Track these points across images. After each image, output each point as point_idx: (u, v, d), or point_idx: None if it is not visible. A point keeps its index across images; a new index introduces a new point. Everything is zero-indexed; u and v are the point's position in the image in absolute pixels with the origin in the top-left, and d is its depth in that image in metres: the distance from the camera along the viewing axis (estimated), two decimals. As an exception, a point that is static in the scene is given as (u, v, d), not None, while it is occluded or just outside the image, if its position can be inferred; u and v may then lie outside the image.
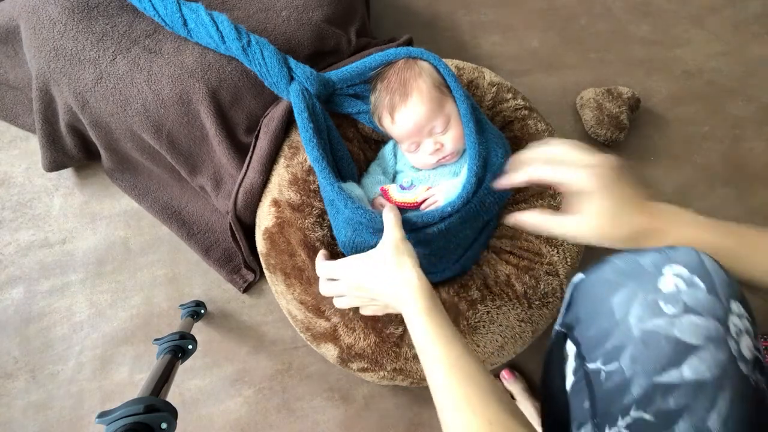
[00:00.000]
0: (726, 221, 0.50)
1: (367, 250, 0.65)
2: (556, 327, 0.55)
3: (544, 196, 0.78)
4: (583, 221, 0.48)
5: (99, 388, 0.91)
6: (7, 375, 0.90)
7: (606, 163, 0.48)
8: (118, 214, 0.99)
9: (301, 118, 0.72)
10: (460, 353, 0.48)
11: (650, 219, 0.48)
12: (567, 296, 0.56)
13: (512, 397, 0.92)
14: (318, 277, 0.73)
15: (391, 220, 0.61)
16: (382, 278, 0.57)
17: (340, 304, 0.65)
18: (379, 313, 0.64)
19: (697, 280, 0.45)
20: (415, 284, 0.54)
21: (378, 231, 0.64)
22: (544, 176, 0.49)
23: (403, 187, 0.73)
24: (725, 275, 0.43)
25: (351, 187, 0.71)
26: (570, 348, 0.47)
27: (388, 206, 0.63)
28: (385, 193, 0.74)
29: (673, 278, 0.44)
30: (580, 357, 0.44)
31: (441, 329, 0.51)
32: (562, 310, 0.57)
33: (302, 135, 0.71)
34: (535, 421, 0.89)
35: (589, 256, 0.87)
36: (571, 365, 0.46)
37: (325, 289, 0.65)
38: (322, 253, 0.71)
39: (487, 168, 0.67)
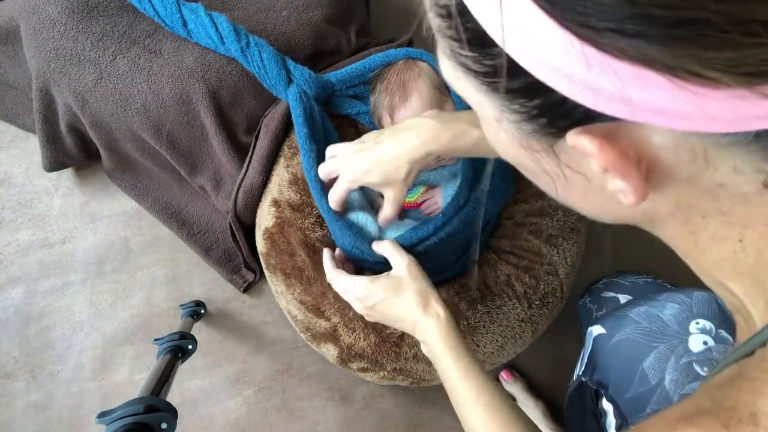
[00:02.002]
0: None
1: (368, 259, 0.65)
2: (582, 378, 0.56)
3: (545, 196, 0.79)
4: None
5: (99, 388, 0.91)
6: (7, 375, 0.90)
7: None
8: (118, 214, 0.99)
9: (296, 123, 0.72)
10: (490, 394, 0.50)
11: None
12: (587, 347, 0.58)
13: (513, 398, 0.92)
14: (317, 277, 0.73)
15: (390, 249, 0.62)
16: (400, 309, 0.57)
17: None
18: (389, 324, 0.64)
19: (723, 333, 0.46)
20: (442, 319, 0.55)
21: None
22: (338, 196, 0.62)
23: None
24: None
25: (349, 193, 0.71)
26: (607, 406, 0.50)
27: (379, 243, 0.64)
28: None
29: (699, 336, 0.45)
30: (622, 417, 0.47)
31: (469, 366, 0.52)
32: (584, 358, 0.59)
33: (298, 141, 0.71)
34: (538, 419, 0.89)
35: (589, 255, 0.87)
36: (612, 422, 0.49)
37: (335, 287, 0.65)
38: (327, 256, 0.68)
39: (482, 172, 0.67)
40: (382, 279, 0.60)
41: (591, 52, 0.19)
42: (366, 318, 0.63)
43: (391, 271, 0.61)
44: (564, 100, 0.22)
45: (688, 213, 0.26)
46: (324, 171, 0.65)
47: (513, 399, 0.92)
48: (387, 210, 0.62)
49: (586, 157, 0.24)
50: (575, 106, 0.22)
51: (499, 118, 0.26)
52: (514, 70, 0.22)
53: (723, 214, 0.25)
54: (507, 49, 0.22)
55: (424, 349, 0.57)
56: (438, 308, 0.56)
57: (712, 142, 0.22)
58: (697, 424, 0.23)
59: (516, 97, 0.24)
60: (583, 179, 0.27)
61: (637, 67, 0.19)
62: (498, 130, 0.28)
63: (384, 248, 0.63)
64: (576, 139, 0.23)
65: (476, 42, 0.23)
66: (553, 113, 0.24)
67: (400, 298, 0.57)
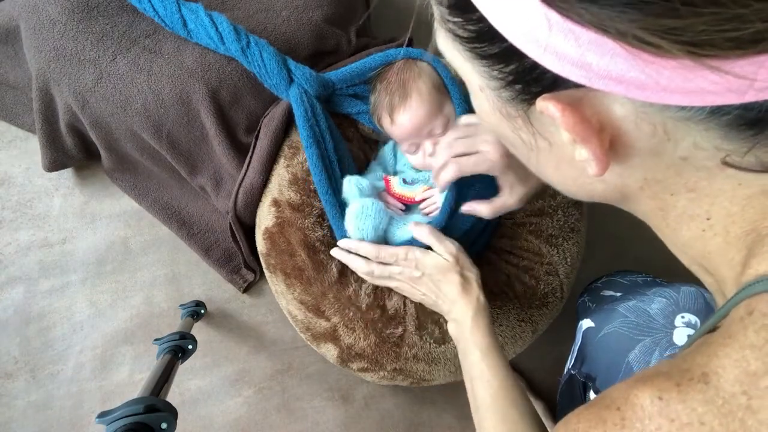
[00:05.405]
0: None
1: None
2: (572, 371, 0.57)
3: (544, 196, 0.79)
4: (502, 199, 0.60)
5: (99, 388, 0.91)
6: (7, 375, 0.90)
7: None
8: (118, 214, 0.99)
9: (299, 123, 0.72)
10: (510, 382, 0.52)
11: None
12: (577, 341, 0.59)
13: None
14: (317, 276, 0.74)
15: (432, 238, 0.63)
16: (443, 289, 0.60)
17: (380, 282, 0.67)
18: (425, 304, 0.66)
19: None
20: (481, 303, 0.58)
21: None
22: (467, 170, 0.59)
23: (405, 181, 0.74)
24: None
25: (358, 180, 0.71)
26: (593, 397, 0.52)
27: (418, 229, 0.64)
28: (387, 183, 0.74)
29: (684, 330, 0.46)
30: None
31: (492, 348, 0.54)
32: (574, 352, 0.60)
33: (303, 142, 0.72)
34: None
35: (589, 256, 0.87)
36: None
37: (368, 269, 0.66)
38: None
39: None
40: (433, 256, 0.62)
41: (554, 16, 0.21)
42: (408, 294, 0.65)
43: (441, 257, 0.63)
44: (535, 66, 0.23)
45: (656, 188, 0.27)
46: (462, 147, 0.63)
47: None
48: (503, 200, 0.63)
49: (557, 126, 0.25)
50: (545, 72, 0.23)
51: (483, 87, 0.28)
52: (491, 35, 0.24)
53: (690, 191, 0.26)
54: (483, 12, 0.23)
55: (451, 327, 0.59)
56: (480, 293, 0.59)
57: (670, 116, 0.23)
58: (652, 383, 0.24)
59: (494, 63, 0.26)
60: (555, 149, 0.28)
61: (595, 32, 0.20)
62: (482, 100, 0.30)
63: (424, 236, 0.63)
64: (542, 104, 0.25)
65: (459, 7, 0.25)
66: (526, 79, 0.25)
67: (445, 278, 0.60)
